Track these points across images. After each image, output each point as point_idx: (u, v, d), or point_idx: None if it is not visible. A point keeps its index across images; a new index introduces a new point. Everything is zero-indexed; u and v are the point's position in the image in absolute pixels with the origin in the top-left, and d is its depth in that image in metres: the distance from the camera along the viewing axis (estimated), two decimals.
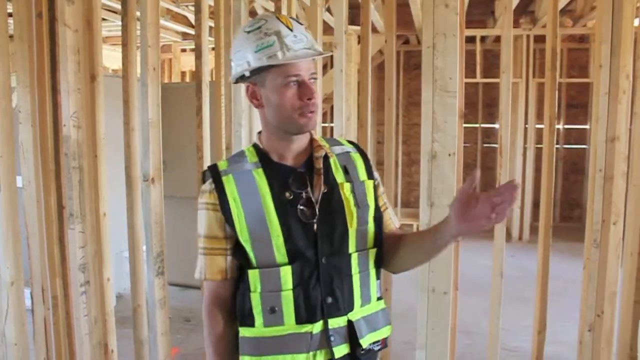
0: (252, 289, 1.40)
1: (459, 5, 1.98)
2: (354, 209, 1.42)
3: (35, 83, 2.61)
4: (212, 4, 2.77)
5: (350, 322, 1.41)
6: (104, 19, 5.43)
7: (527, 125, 7.01)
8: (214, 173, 1.43)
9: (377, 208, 1.50)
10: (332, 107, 7.01)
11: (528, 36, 6.66)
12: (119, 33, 6.39)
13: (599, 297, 2.35)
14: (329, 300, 1.38)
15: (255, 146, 1.47)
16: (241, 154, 1.48)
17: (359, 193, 1.45)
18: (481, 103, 7.95)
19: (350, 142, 1.58)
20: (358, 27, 5.37)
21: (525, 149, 6.99)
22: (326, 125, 7.36)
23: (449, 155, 1.98)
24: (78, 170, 2.54)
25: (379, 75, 7.01)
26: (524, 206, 7.02)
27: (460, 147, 2.08)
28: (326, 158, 1.45)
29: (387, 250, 1.50)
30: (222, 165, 1.46)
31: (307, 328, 1.37)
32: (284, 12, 2.68)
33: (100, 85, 2.68)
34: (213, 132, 2.71)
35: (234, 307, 1.46)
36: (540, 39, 6.83)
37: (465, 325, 3.97)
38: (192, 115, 2.82)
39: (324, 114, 6.16)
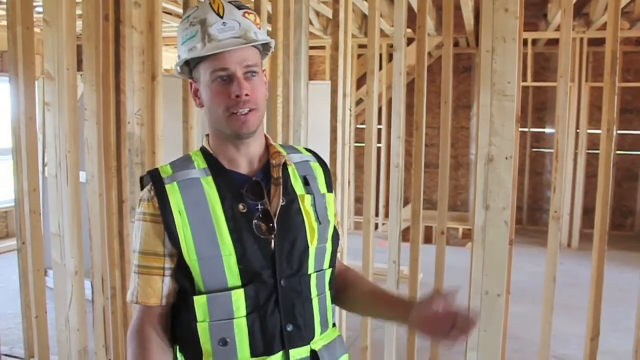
0: (199, 318, 1.17)
1: (518, 9, 1.98)
2: (315, 225, 1.25)
3: (100, 82, 2.73)
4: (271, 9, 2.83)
5: (314, 352, 1.24)
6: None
7: (578, 131, 6.87)
8: (156, 180, 1.21)
9: (335, 226, 1.34)
10: (380, 109, 7.04)
11: (582, 39, 6.53)
12: (171, 34, 6.55)
13: None
14: (290, 328, 1.20)
15: (203, 150, 1.27)
16: (187, 159, 1.26)
17: (320, 207, 1.28)
18: (531, 107, 7.83)
19: (309, 150, 1.39)
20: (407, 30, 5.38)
21: (576, 155, 6.85)
22: (381, 127, 7.37)
23: (506, 159, 1.98)
24: (140, 166, 2.65)
25: (427, 78, 6.98)
26: (574, 213, 6.88)
27: (517, 151, 2.08)
28: (285, 167, 1.26)
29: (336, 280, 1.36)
30: (165, 170, 1.23)
31: None
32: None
33: (160, 85, 2.79)
34: (269, 133, 2.78)
35: (168, 341, 1.24)
36: (594, 42, 6.69)
37: (513, 330, 3.93)
38: None
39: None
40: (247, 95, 1.16)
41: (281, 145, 1.35)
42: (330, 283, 1.31)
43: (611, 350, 3.75)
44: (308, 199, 1.26)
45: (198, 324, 1.18)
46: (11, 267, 4.70)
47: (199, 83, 1.22)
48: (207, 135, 1.29)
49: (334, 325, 1.35)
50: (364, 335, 2.91)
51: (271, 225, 1.19)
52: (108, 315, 2.87)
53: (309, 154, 1.37)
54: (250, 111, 1.18)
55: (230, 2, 1.21)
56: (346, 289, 1.39)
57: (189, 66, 1.24)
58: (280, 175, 1.24)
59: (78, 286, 2.76)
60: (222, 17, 1.17)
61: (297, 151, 1.36)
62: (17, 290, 3.41)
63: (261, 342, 1.18)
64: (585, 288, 2.82)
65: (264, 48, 1.26)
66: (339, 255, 1.40)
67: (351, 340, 3.67)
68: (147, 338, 1.20)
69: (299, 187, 1.27)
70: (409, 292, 2.90)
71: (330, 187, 1.35)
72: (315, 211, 1.26)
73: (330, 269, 1.31)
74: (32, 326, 3.22)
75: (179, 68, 1.25)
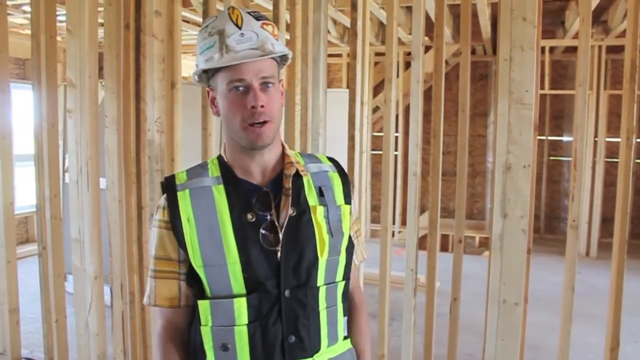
0: (202, 322, 1.22)
1: (536, 18, 1.99)
2: (326, 237, 1.23)
3: (121, 90, 2.77)
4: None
5: None
6: None
7: (596, 139, 6.81)
8: (169, 187, 1.25)
9: (350, 237, 1.32)
10: (396, 116, 7.04)
11: (600, 47, 6.49)
12: (190, 42, 6.63)
13: None
14: (292, 339, 1.20)
15: (219, 158, 1.29)
16: (203, 166, 1.29)
17: (333, 219, 1.26)
18: (548, 115, 7.77)
19: (330, 160, 1.38)
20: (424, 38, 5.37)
21: (594, 163, 6.79)
22: (398, 135, 7.37)
23: (524, 167, 1.98)
24: (159, 173, 2.68)
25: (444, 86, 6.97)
26: (592, 222, 6.82)
27: (534, 160, 2.08)
28: (299, 177, 1.26)
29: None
30: (180, 177, 1.27)
31: None
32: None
33: (179, 92, 2.82)
34: (287, 140, 2.80)
35: (187, 341, 1.29)
36: (612, 50, 6.65)
37: (530, 340, 3.90)
38: None
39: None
40: (262, 106, 1.17)
41: (301, 154, 1.35)
42: (343, 295, 1.30)
43: None
44: (320, 210, 1.25)
45: (201, 327, 1.22)
46: (31, 271, 4.76)
47: (216, 92, 1.23)
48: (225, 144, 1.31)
49: (346, 337, 1.33)
50: (380, 344, 2.91)
51: (277, 235, 1.20)
52: (126, 320, 2.90)
53: (329, 163, 1.36)
54: (265, 123, 1.18)
55: (248, 13, 1.22)
56: (350, 326, 1.37)
57: (207, 74, 1.25)
58: (290, 185, 1.24)
59: (97, 291, 2.79)
60: (240, 28, 1.18)
61: (317, 160, 1.35)
62: (36, 294, 3.46)
63: (261, 350, 1.19)
64: (604, 297, 2.80)
65: (281, 59, 1.27)
66: (360, 266, 1.40)
67: None
68: (166, 344, 1.27)
69: (312, 198, 1.26)
70: (426, 300, 2.90)
71: (348, 198, 1.33)
72: (328, 223, 1.25)
73: (344, 281, 1.30)
74: (51, 330, 3.26)
75: (196, 77, 1.26)
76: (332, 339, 1.27)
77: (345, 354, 1.31)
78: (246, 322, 1.19)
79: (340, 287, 1.29)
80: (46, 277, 3.26)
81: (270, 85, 1.20)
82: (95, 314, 2.80)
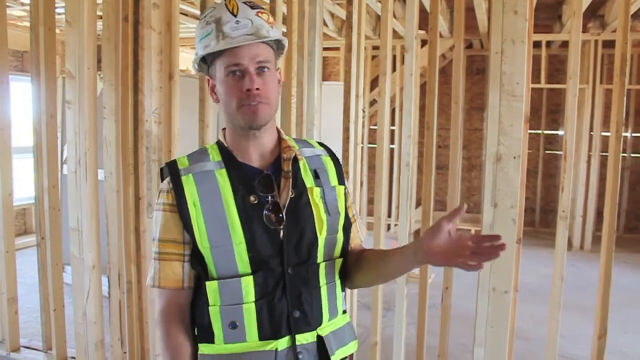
0: (211, 302, 1.26)
1: (528, 11, 2.02)
2: (324, 216, 1.31)
3: (119, 81, 2.80)
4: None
5: (320, 337, 1.30)
6: None
7: (592, 133, 6.85)
8: (173, 171, 1.29)
9: (347, 217, 1.39)
10: (393, 109, 7.07)
11: (596, 41, 6.51)
12: (188, 35, 6.65)
13: None
14: (297, 314, 1.26)
15: (219, 144, 1.35)
16: (203, 152, 1.34)
17: (329, 199, 1.33)
18: (544, 109, 7.81)
19: (321, 145, 1.45)
20: (420, 32, 5.38)
21: (589, 157, 6.83)
22: (394, 128, 7.37)
23: (514, 158, 2.02)
24: (157, 163, 2.72)
25: (440, 79, 6.99)
26: (587, 215, 6.87)
27: (525, 151, 2.11)
28: (295, 160, 1.32)
29: (350, 263, 1.41)
30: (182, 162, 1.31)
31: (271, 345, 1.25)
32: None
33: (177, 84, 2.85)
34: (283, 130, 2.83)
35: (192, 320, 1.32)
36: (609, 44, 6.67)
37: (523, 331, 3.95)
38: None
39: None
40: (257, 89, 1.22)
41: (294, 139, 1.41)
42: (340, 272, 1.37)
43: (621, 352, 3.76)
44: (317, 191, 1.32)
45: (210, 308, 1.26)
46: (29, 262, 4.80)
47: (215, 79, 1.28)
48: (224, 129, 1.35)
49: (344, 312, 1.41)
50: (374, 332, 2.95)
51: (280, 216, 1.26)
52: (124, 308, 2.94)
53: (321, 148, 1.43)
54: (259, 103, 1.23)
55: (244, 2, 1.27)
56: (360, 266, 1.41)
57: (206, 63, 1.30)
58: (290, 168, 1.30)
59: (95, 280, 2.83)
60: (235, 16, 1.23)
61: (310, 145, 1.42)
62: (34, 285, 3.49)
63: (268, 326, 1.25)
64: (597, 289, 2.85)
65: (278, 47, 1.32)
66: (362, 239, 1.47)
67: (362, 337, 3.71)
68: (171, 322, 1.29)
69: (308, 180, 1.32)
70: (419, 290, 2.94)
71: (342, 180, 1.40)
72: (325, 203, 1.32)
73: (341, 259, 1.37)
74: (50, 319, 3.30)
75: (196, 65, 1.31)
76: (333, 313, 1.34)
77: (345, 327, 1.38)
78: (253, 299, 1.24)
79: (338, 264, 1.36)
80: (44, 267, 3.29)
81: (266, 69, 1.25)
82: (93, 302, 2.83)
